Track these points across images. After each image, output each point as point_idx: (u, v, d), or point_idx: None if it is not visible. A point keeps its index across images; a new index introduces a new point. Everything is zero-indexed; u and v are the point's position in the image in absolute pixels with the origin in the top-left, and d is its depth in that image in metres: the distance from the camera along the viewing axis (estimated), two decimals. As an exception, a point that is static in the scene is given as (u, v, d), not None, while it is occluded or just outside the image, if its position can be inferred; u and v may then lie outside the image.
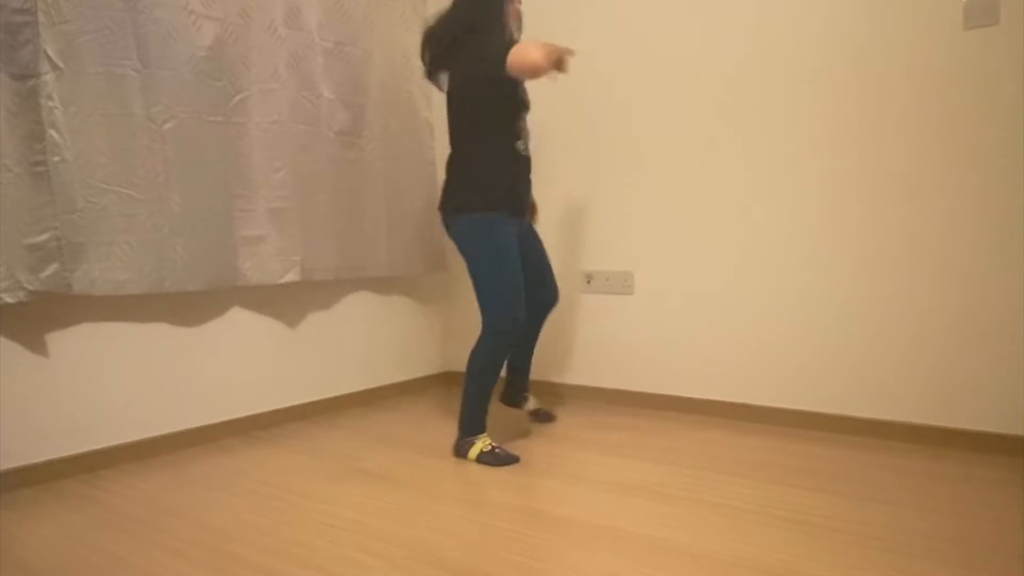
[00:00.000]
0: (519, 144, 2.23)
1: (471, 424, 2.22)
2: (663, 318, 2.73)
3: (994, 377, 2.10)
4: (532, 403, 2.63)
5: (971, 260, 2.11)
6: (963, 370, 2.14)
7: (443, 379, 3.40)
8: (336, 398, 2.87)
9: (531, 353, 2.53)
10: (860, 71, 2.24)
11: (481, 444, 2.18)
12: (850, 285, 2.32)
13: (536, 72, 1.98)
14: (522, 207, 2.27)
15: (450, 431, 2.51)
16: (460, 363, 3.35)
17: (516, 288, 2.17)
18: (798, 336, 2.43)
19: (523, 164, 2.27)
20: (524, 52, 1.96)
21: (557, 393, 2.99)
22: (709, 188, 2.57)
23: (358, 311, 2.97)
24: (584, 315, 2.92)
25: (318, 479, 2.01)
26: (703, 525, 1.62)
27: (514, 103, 2.21)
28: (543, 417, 2.63)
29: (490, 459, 2.15)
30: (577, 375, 2.96)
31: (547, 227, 2.92)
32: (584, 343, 2.92)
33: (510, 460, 2.15)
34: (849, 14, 2.25)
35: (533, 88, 2.35)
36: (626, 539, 1.55)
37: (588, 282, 2.90)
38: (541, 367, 2.98)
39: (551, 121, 2.90)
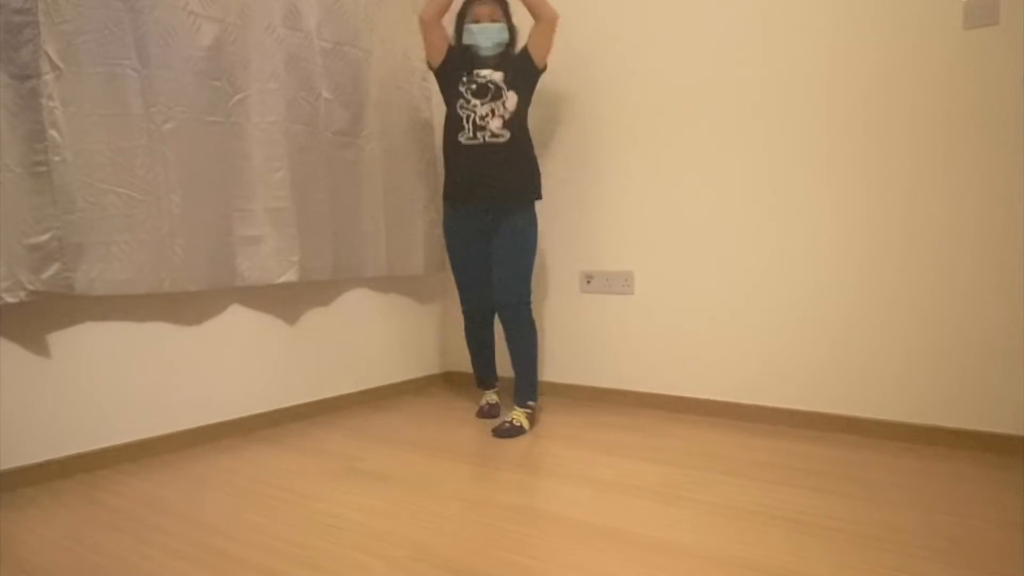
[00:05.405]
0: (461, 136, 2.38)
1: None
2: (663, 318, 2.73)
3: (994, 377, 2.10)
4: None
5: (972, 260, 2.11)
6: (963, 371, 2.14)
7: (443, 379, 3.40)
8: (336, 398, 2.87)
9: (501, 351, 2.65)
10: (860, 72, 2.24)
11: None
12: (850, 285, 2.32)
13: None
14: (468, 196, 2.44)
15: (449, 431, 2.51)
16: (459, 363, 3.35)
17: (457, 274, 2.57)
18: (798, 336, 2.43)
19: (471, 153, 2.38)
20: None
21: (558, 393, 2.99)
22: (710, 189, 2.57)
23: (358, 311, 2.97)
24: (584, 315, 2.92)
25: (318, 479, 2.01)
26: (703, 525, 1.62)
27: (448, 94, 2.42)
28: (486, 413, 2.69)
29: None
30: (577, 375, 2.96)
31: (547, 227, 2.92)
32: (584, 343, 2.92)
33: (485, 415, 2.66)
34: (850, 15, 2.25)
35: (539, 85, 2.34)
36: (626, 539, 1.55)
37: (588, 282, 2.90)
38: (541, 366, 2.98)
39: (553, 120, 2.91)
